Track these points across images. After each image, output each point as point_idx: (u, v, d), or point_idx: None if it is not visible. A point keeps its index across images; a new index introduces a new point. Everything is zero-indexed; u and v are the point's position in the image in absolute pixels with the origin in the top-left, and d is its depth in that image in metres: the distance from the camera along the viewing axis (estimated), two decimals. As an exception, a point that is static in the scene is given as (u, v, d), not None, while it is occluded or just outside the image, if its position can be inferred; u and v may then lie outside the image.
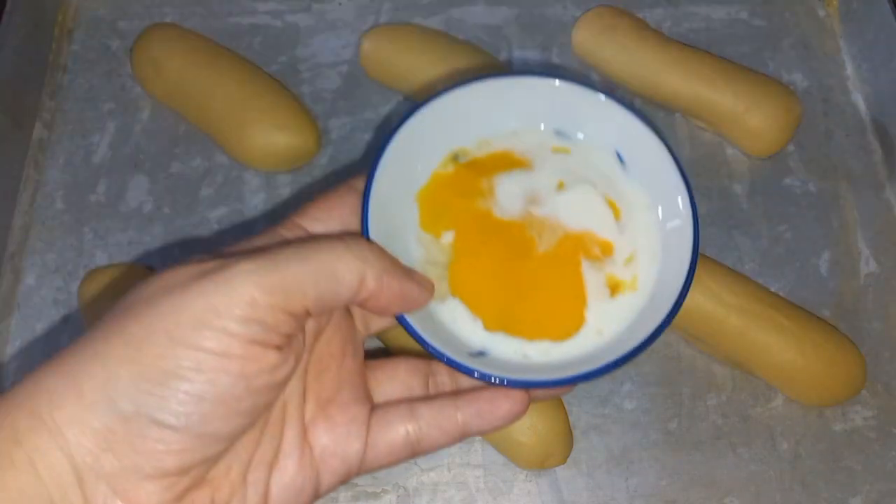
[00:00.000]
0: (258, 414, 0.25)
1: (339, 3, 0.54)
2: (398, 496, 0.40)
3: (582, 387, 0.43)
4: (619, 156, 0.33)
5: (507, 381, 0.28)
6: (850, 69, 0.52)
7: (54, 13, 0.53)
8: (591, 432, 0.42)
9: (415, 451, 0.29)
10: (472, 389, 0.30)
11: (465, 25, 0.53)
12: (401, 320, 0.28)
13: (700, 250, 0.44)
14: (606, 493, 0.41)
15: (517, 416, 0.30)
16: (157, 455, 0.23)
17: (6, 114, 0.47)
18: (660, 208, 0.32)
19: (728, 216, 0.47)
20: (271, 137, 0.46)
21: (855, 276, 0.46)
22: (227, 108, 0.46)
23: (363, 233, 0.29)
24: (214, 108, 0.47)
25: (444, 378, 0.32)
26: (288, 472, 0.27)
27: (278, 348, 0.25)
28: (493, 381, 0.28)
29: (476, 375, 0.28)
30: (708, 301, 0.41)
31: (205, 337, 0.23)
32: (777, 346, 0.41)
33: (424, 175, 0.32)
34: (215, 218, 0.47)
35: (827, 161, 0.49)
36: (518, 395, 0.29)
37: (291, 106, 0.47)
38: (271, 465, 0.27)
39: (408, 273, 0.28)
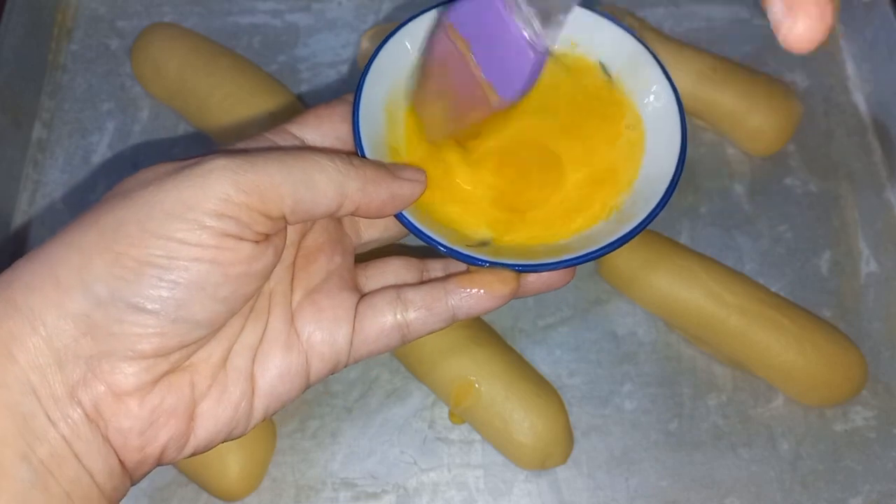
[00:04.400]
0: (238, 303, 0.25)
1: (339, 3, 0.54)
2: (398, 496, 0.40)
3: (582, 387, 0.43)
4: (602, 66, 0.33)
5: (505, 266, 0.28)
6: (850, 69, 0.52)
7: (53, 13, 0.53)
8: (592, 433, 0.42)
9: (404, 336, 0.29)
10: (462, 272, 0.30)
11: (465, 25, 0.53)
12: (398, 216, 0.28)
13: (700, 250, 0.45)
14: (607, 494, 0.41)
15: (507, 299, 0.29)
16: (134, 338, 0.23)
17: (5, 113, 0.47)
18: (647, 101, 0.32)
19: (728, 216, 0.47)
20: (271, 137, 0.46)
21: (855, 276, 0.46)
22: (226, 107, 0.46)
23: (354, 133, 0.29)
24: (214, 107, 0.47)
25: (437, 273, 0.31)
26: (275, 359, 0.27)
27: (255, 242, 0.25)
28: (487, 266, 0.28)
29: (474, 262, 0.28)
30: (708, 301, 0.41)
31: (176, 228, 0.23)
32: (777, 346, 0.41)
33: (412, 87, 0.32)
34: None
35: (827, 161, 0.49)
36: (508, 277, 0.29)
37: (291, 106, 0.47)
38: (255, 351, 0.27)
39: (394, 174, 0.28)
